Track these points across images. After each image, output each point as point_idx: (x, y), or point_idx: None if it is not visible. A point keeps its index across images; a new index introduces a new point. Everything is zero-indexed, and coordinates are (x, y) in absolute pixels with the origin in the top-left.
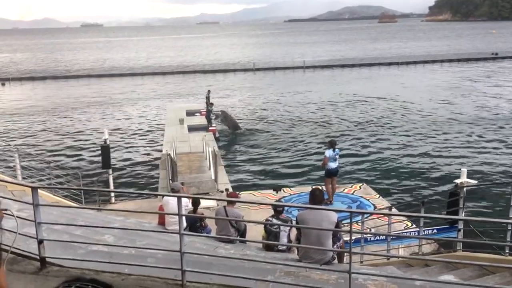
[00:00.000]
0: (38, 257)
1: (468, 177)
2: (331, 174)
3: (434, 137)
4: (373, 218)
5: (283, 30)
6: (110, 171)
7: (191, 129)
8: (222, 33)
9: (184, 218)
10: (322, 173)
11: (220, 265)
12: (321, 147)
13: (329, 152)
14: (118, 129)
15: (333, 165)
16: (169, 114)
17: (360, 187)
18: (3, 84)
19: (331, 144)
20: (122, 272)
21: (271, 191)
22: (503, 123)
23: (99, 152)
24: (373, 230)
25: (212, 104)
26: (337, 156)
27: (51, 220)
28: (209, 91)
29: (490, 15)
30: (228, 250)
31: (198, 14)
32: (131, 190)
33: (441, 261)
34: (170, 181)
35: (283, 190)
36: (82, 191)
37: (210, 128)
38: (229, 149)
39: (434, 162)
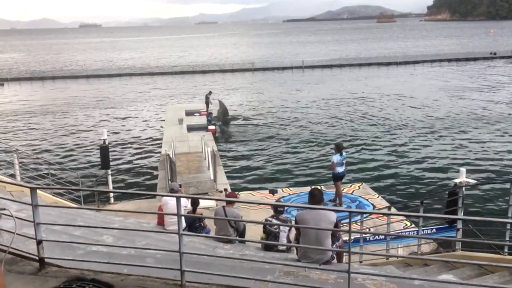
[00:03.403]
0: (37, 258)
1: (467, 177)
2: (339, 178)
3: (433, 136)
4: (372, 218)
5: (282, 30)
6: (109, 171)
7: (190, 129)
8: (221, 33)
9: (183, 218)
10: (322, 173)
11: (219, 265)
12: (320, 147)
13: (336, 158)
14: (117, 129)
15: (340, 169)
16: (168, 114)
17: (359, 186)
18: (1, 85)
19: (339, 149)
20: (121, 273)
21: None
22: (502, 123)
23: (98, 152)
24: (372, 230)
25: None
26: (344, 161)
27: (50, 221)
28: (210, 91)
29: (488, 15)
30: (227, 250)
31: (196, 14)
32: (130, 190)
33: (440, 261)
34: (169, 181)
35: (282, 190)
36: (81, 191)
37: (209, 128)
38: (228, 149)
39: (433, 162)
